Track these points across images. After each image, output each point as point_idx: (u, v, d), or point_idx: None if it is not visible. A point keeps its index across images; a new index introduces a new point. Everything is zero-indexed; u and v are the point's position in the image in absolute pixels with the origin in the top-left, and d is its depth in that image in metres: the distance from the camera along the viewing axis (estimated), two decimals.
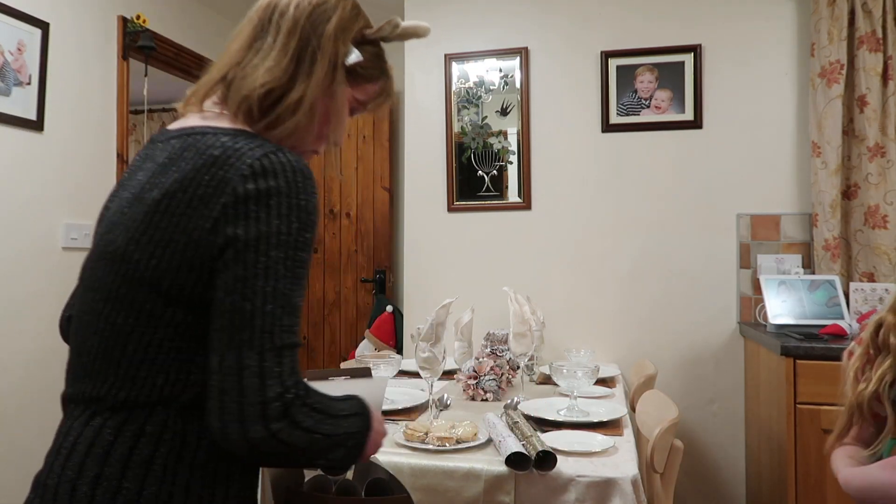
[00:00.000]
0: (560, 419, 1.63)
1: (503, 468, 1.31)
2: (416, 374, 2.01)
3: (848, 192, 2.45)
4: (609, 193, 2.71)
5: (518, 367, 2.05)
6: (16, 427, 2.29)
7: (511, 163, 2.80)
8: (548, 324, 2.57)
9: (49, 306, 2.23)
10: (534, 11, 2.79)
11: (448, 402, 1.85)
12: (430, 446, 1.41)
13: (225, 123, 0.87)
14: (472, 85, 2.84)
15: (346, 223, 3.55)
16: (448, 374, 2.10)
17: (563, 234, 2.75)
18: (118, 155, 2.81)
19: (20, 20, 2.38)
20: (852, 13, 2.40)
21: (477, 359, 2.02)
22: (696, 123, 2.63)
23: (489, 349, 2.12)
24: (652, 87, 2.66)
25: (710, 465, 2.61)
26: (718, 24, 2.62)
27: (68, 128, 2.57)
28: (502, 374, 1.98)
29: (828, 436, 1.26)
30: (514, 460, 1.30)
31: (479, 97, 2.84)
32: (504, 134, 2.81)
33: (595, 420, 1.62)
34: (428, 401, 1.78)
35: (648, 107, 2.67)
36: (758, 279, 2.48)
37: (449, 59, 2.86)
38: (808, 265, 2.51)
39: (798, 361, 2.01)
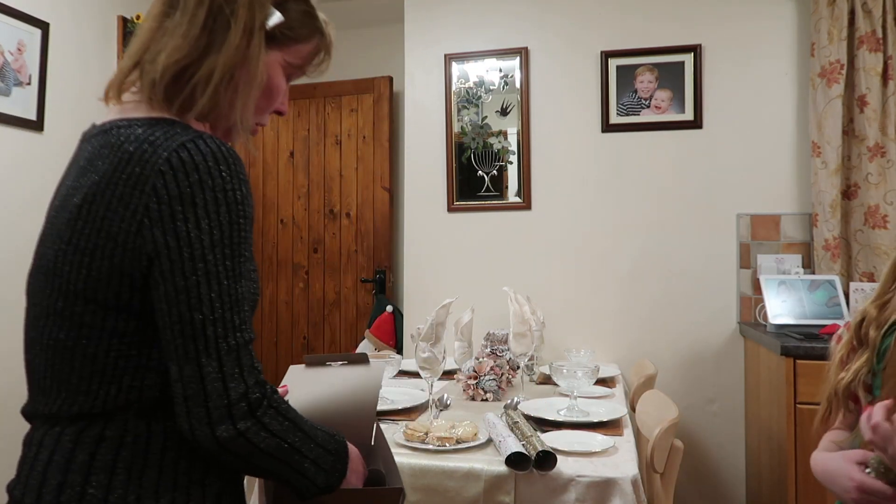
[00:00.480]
0: (560, 419, 1.63)
1: (503, 468, 1.31)
2: (416, 374, 2.01)
3: (848, 192, 2.45)
4: (609, 193, 2.71)
5: (518, 367, 2.05)
6: (16, 427, 2.29)
7: (511, 163, 2.80)
8: (548, 324, 2.57)
9: None
10: (534, 11, 2.79)
11: (448, 402, 1.85)
12: (431, 446, 1.42)
13: (142, 113, 0.82)
14: (472, 85, 2.84)
15: (346, 223, 3.55)
16: (448, 374, 2.10)
17: (563, 234, 2.75)
18: None
19: (20, 20, 2.38)
20: (852, 13, 2.40)
21: (477, 359, 2.02)
22: (696, 123, 2.62)
23: (489, 349, 2.12)
24: (652, 87, 2.66)
25: (710, 465, 2.61)
26: (718, 24, 2.61)
27: (68, 128, 2.57)
28: (502, 374, 1.98)
29: None
30: (514, 460, 1.30)
31: (479, 97, 2.84)
32: (504, 134, 2.81)
33: (595, 420, 1.62)
34: (428, 401, 1.78)
35: (648, 107, 2.67)
36: (758, 279, 2.48)
37: (449, 59, 2.86)
38: (808, 265, 2.51)
39: (798, 361, 2.01)
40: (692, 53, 2.62)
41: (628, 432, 1.58)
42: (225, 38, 0.82)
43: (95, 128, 0.86)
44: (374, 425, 1.04)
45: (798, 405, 2.00)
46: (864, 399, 1.13)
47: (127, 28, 2.85)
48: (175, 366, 0.74)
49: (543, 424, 1.61)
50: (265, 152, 3.70)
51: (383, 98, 3.47)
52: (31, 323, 0.83)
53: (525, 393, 1.99)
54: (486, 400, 1.92)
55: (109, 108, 0.86)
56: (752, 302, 2.57)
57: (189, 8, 0.82)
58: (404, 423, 1.57)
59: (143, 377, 0.77)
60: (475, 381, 1.95)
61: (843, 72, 2.39)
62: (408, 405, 1.79)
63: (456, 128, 2.85)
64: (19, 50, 2.38)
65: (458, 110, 2.85)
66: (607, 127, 2.71)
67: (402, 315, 3.07)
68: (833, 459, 1.09)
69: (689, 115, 2.63)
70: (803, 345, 2.01)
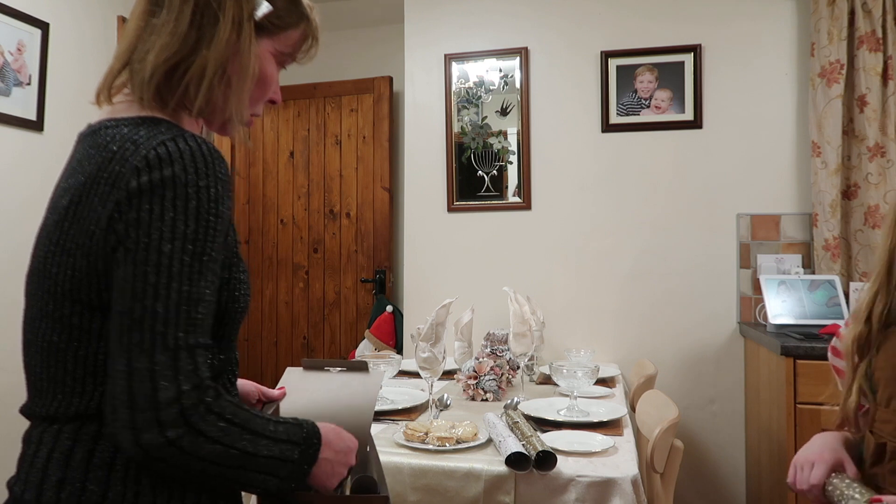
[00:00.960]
0: (560, 419, 1.62)
1: (503, 468, 1.31)
2: (416, 374, 2.01)
3: (848, 192, 2.45)
4: (609, 193, 2.71)
5: (518, 367, 2.05)
6: (16, 426, 2.29)
7: (511, 163, 2.80)
8: (548, 324, 2.57)
9: None
10: (533, 11, 2.79)
11: (448, 402, 1.85)
12: (431, 446, 1.41)
13: (132, 113, 0.82)
14: (471, 85, 2.84)
15: (346, 223, 3.55)
16: (448, 374, 2.10)
17: (563, 234, 2.75)
18: None
19: (20, 20, 2.38)
20: (852, 13, 2.40)
21: (477, 359, 2.02)
22: (696, 123, 2.62)
23: (489, 349, 2.12)
24: (652, 87, 2.66)
25: (710, 465, 2.61)
26: (718, 24, 2.61)
27: (68, 128, 2.56)
28: (502, 374, 1.98)
29: None
30: (514, 460, 1.30)
31: (479, 97, 2.84)
32: (504, 134, 2.81)
33: (595, 420, 1.62)
34: (428, 401, 1.78)
35: (648, 107, 2.67)
36: (758, 279, 2.48)
37: (449, 59, 2.86)
38: (808, 265, 2.51)
39: (798, 361, 2.01)
40: (692, 53, 2.62)
41: (628, 432, 1.58)
42: (214, 33, 0.81)
43: (89, 128, 0.86)
44: (370, 434, 1.03)
45: (798, 405, 2.00)
46: (866, 401, 1.13)
47: None
48: (111, 360, 0.71)
49: (543, 424, 1.61)
50: (265, 152, 3.70)
51: (383, 98, 3.47)
52: (28, 325, 0.83)
53: (525, 393, 1.99)
54: (486, 400, 1.92)
55: (104, 109, 0.86)
56: (752, 302, 2.57)
57: (175, 5, 0.81)
58: (404, 423, 1.56)
59: None
60: (475, 382, 1.95)
61: (843, 72, 2.39)
62: (408, 405, 1.78)
63: (456, 128, 2.85)
64: (19, 50, 2.38)
65: (458, 110, 2.85)
66: (607, 127, 2.71)
67: (402, 315, 3.07)
68: (823, 445, 1.14)
69: (689, 115, 2.63)
70: (803, 345, 2.01)
